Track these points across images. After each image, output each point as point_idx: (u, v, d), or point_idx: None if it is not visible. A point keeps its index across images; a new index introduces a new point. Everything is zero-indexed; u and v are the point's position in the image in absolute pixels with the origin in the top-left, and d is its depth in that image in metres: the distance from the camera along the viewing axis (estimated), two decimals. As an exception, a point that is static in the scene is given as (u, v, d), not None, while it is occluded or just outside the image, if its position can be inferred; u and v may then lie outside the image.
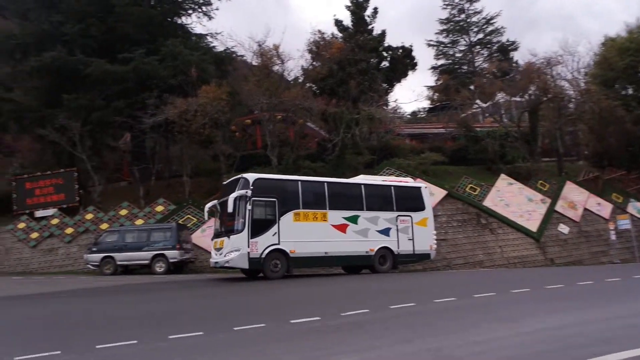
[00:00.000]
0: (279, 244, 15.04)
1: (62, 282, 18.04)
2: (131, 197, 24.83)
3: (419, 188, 18.59)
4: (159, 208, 23.10)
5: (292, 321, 8.18)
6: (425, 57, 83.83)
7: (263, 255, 14.72)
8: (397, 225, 17.27)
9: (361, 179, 18.45)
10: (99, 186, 25.55)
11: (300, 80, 29.03)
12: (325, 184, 16.74)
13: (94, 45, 26.88)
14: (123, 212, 23.21)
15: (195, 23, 38.75)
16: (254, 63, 27.20)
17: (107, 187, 26.80)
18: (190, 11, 31.87)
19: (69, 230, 23.24)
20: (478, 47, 52.10)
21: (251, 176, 15.46)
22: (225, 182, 17.13)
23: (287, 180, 16.59)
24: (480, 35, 51.81)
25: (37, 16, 27.11)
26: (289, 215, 15.37)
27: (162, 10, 30.13)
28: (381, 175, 22.71)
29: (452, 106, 34.03)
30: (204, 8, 31.55)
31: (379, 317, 8.50)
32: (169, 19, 31.42)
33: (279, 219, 15.15)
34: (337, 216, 16.14)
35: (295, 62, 33.25)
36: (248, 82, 24.88)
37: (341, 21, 32.64)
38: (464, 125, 31.25)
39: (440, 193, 23.63)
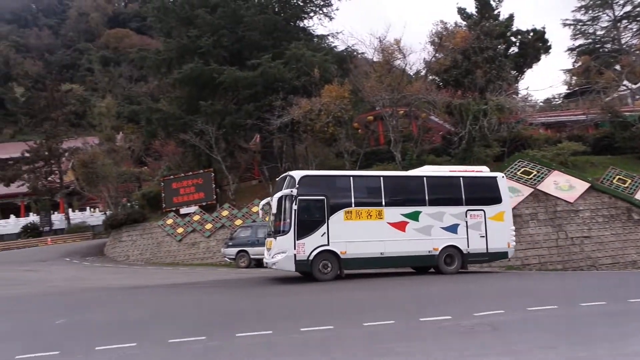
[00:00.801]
0: (328, 244, 14.31)
1: (204, 273, 19.70)
2: (262, 195, 26.28)
3: (494, 178, 16.70)
4: (287, 205, 24.10)
5: (422, 319, 7.97)
6: (560, 39, 76.93)
7: (311, 257, 14.11)
8: (466, 221, 15.66)
9: (425, 170, 17.13)
10: (233, 185, 27.48)
11: (422, 74, 28.39)
12: (381, 178, 15.69)
13: (226, 55, 28.92)
14: (255, 209, 24.64)
15: (316, 25, 39.80)
16: (375, 59, 27.21)
17: (240, 185, 28.71)
18: (311, 14, 32.87)
19: (208, 226, 25.29)
20: (625, 21, 46.50)
21: (297, 174, 14.89)
22: (278, 178, 16.38)
23: (337, 176, 16.07)
24: (628, 8, 46.25)
25: (178, 33, 29.89)
26: (340, 214, 14.56)
27: (285, 16, 31.44)
28: (511, 168, 21.33)
29: (594, 90, 30.80)
30: (324, 9, 32.33)
31: (516, 319, 7.94)
32: (292, 23, 32.69)
33: (328, 219, 14.40)
34: (394, 213, 15.01)
35: (417, 55, 32.70)
36: (369, 79, 24.96)
37: (464, 9, 31.36)
38: (609, 110, 28.04)
39: (581, 186, 21.55)
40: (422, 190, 15.50)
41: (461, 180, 16.11)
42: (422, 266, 15.96)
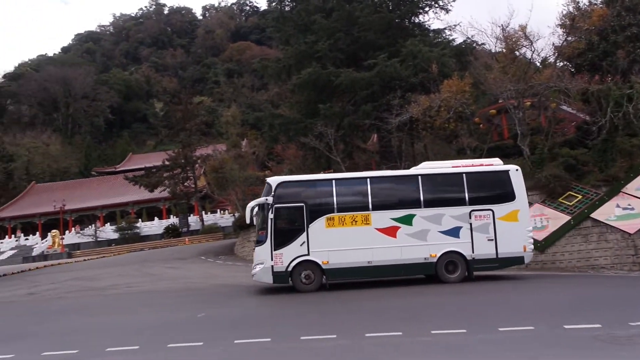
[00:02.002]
0: (308, 254, 13.40)
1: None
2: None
3: (505, 172, 14.45)
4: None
5: (566, 326, 7.30)
6: None
7: (289, 269, 13.33)
8: (470, 223, 13.80)
9: (423, 167, 15.28)
10: (352, 186, 27.69)
11: (551, 60, 26.19)
12: (368, 179, 14.28)
13: (342, 57, 29.29)
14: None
15: (432, 19, 38.75)
16: (498, 49, 25.70)
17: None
18: (426, 8, 31.97)
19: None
20: None
21: (275, 180, 14.11)
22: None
23: (318, 180, 15.03)
24: None
25: (295, 40, 30.94)
26: (321, 221, 13.50)
27: (399, 13, 31.00)
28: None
29: None
30: (440, 2, 31.26)
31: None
32: (407, 20, 32.14)
33: (307, 227, 13.44)
34: (383, 217, 13.62)
35: (545, 40, 30.24)
36: (492, 70, 23.63)
37: (599, -15, 28.25)
38: None
39: None
40: (417, 191, 14.02)
41: (464, 177, 14.21)
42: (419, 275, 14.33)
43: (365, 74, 26.58)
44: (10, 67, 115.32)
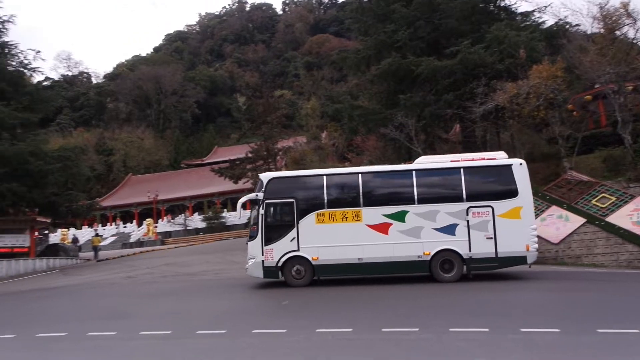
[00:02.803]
0: (298, 250, 13.43)
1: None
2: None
3: (508, 166, 13.50)
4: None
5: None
6: None
7: (280, 264, 13.42)
8: (467, 220, 13.08)
9: (420, 162, 14.55)
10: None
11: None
12: (359, 175, 13.87)
13: (423, 46, 28.56)
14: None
15: (519, 1, 36.64)
16: (595, 30, 23.84)
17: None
18: (514, -10, 30.36)
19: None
20: None
21: (266, 176, 14.22)
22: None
23: (309, 176, 14.84)
24: None
25: (374, 31, 30.59)
26: (311, 217, 13.49)
27: (484, -3, 29.68)
28: None
29: None
30: (529, -17, 29.53)
31: None
32: (491, 4, 30.66)
33: (298, 222, 13.48)
34: (374, 214, 13.31)
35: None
36: (587, 53, 21.95)
37: None
38: None
39: None
40: (410, 187, 13.54)
41: (461, 172, 13.50)
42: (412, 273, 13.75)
43: (447, 62, 25.75)
44: (109, 68, 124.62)
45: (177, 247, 37.85)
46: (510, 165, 13.59)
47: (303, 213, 13.60)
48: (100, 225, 55.39)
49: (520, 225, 13.04)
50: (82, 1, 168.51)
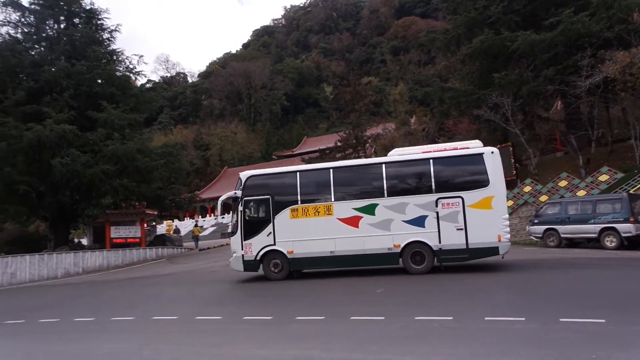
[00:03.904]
0: (274, 244, 13.94)
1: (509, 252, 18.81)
2: (569, 167, 23.60)
3: (479, 155, 13.00)
4: (603, 177, 20.94)
5: None
6: None
7: (258, 258, 14.00)
8: (437, 212, 12.85)
9: (392, 154, 14.35)
10: (534, 158, 25.47)
11: None
12: (331, 170, 14.09)
13: (518, 19, 26.83)
14: (562, 183, 22.22)
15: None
16: None
17: (542, 158, 26.42)
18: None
19: (509, 203, 23.97)
20: None
21: (245, 174, 14.86)
22: None
23: (283, 173, 15.03)
24: None
25: (464, 8, 29.25)
26: (285, 212, 13.90)
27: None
28: None
29: None
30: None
31: None
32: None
33: (273, 218, 13.96)
34: (345, 208, 13.49)
35: None
36: None
37: None
38: None
39: None
40: (380, 180, 13.48)
41: (430, 163, 13.24)
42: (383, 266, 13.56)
43: (546, 34, 23.98)
44: (203, 67, 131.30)
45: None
46: (482, 154, 13.10)
47: (278, 209, 14.04)
48: (200, 216, 58.72)
49: (491, 216, 12.63)
50: (175, 6, 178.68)
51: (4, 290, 20.47)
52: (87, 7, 30.24)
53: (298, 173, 14.43)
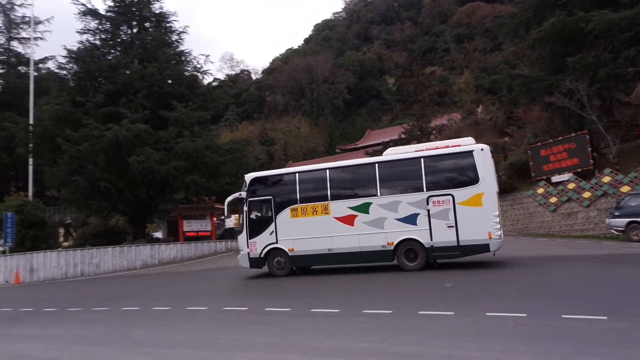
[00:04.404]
0: (277, 242, 14.68)
1: (587, 245, 17.87)
2: (653, 156, 21.92)
3: (469, 152, 13.14)
4: (693, 165, 19.32)
5: None
6: None
7: (262, 255, 14.78)
8: (428, 209, 13.15)
9: (387, 153, 14.76)
10: (613, 146, 23.89)
11: None
12: (327, 171, 14.58)
13: (594, -1, 25.19)
14: (646, 172, 20.75)
15: None
16: None
17: (622, 146, 24.72)
18: None
19: (586, 194, 22.78)
20: None
21: (248, 176, 15.49)
22: None
23: (283, 174, 15.72)
24: None
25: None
26: (286, 212, 14.61)
27: None
28: None
29: None
30: None
31: None
32: None
33: (275, 217, 14.69)
34: (341, 207, 13.99)
35: None
36: None
37: None
38: None
39: None
40: (373, 179, 13.85)
41: (422, 162, 13.47)
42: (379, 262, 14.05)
43: (625, 12, 22.35)
44: (266, 64, 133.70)
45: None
46: (472, 151, 13.16)
47: (279, 208, 14.75)
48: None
49: (482, 213, 12.73)
50: (238, 6, 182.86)
51: (90, 280, 22.03)
52: (157, 11, 31.58)
53: (297, 174, 15.07)
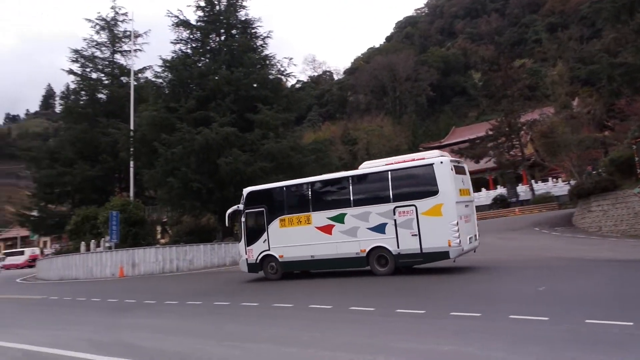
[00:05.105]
0: (269, 249, 16.23)
1: None
2: None
3: (429, 166, 13.70)
4: None
5: None
6: None
7: (257, 261, 16.47)
8: (394, 219, 13.89)
9: (363, 167, 15.68)
10: None
11: None
12: (309, 185, 15.98)
13: None
14: None
15: None
16: None
17: None
18: None
19: None
20: None
21: (245, 190, 17.18)
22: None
23: (273, 188, 17.00)
24: None
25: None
26: (276, 222, 16.10)
27: None
28: None
29: None
30: None
31: None
32: None
33: (267, 227, 16.23)
34: (321, 217, 15.26)
35: None
36: None
37: None
38: None
39: None
40: (347, 192, 15.06)
41: (389, 174, 14.45)
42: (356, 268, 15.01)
43: None
44: (347, 64, 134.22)
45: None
46: (432, 164, 13.83)
47: (271, 219, 16.27)
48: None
49: (441, 222, 13.36)
50: (319, 7, 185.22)
51: (184, 275, 23.39)
52: (242, 18, 32.83)
53: (284, 188, 16.64)
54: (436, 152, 14.99)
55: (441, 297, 10.81)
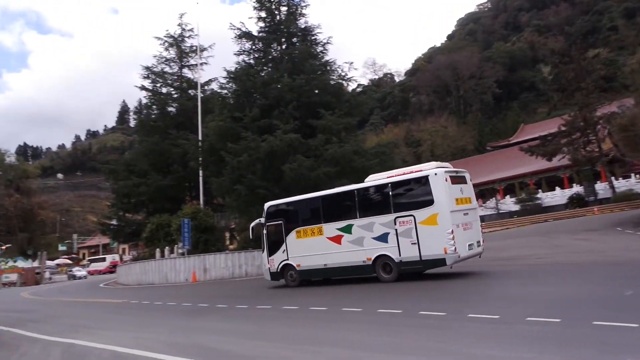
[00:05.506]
0: (288, 259, 17.54)
1: None
2: None
3: (425, 177, 14.49)
4: None
5: None
6: None
7: (278, 270, 17.80)
8: (396, 229, 14.75)
9: (368, 179, 16.56)
10: None
11: None
12: (320, 198, 17.06)
13: None
14: None
15: None
16: None
17: None
18: None
19: None
20: None
21: (266, 205, 18.65)
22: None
23: (290, 202, 18.24)
24: None
25: None
26: (293, 234, 17.38)
27: None
28: None
29: None
30: None
31: None
32: None
33: (285, 238, 17.53)
34: (331, 228, 16.25)
35: None
36: None
37: None
38: None
39: None
40: (354, 204, 15.90)
41: (389, 187, 15.27)
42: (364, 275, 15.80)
43: None
44: (408, 65, 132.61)
45: (490, 231, 37.26)
46: (427, 176, 14.44)
47: (288, 231, 17.52)
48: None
49: (437, 231, 13.90)
50: (378, 9, 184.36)
51: (254, 280, 23.93)
52: (302, 26, 33.25)
53: (299, 202, 17.82)
54: (433, 163, 15.64)
55: (512, 303, 10.32)
